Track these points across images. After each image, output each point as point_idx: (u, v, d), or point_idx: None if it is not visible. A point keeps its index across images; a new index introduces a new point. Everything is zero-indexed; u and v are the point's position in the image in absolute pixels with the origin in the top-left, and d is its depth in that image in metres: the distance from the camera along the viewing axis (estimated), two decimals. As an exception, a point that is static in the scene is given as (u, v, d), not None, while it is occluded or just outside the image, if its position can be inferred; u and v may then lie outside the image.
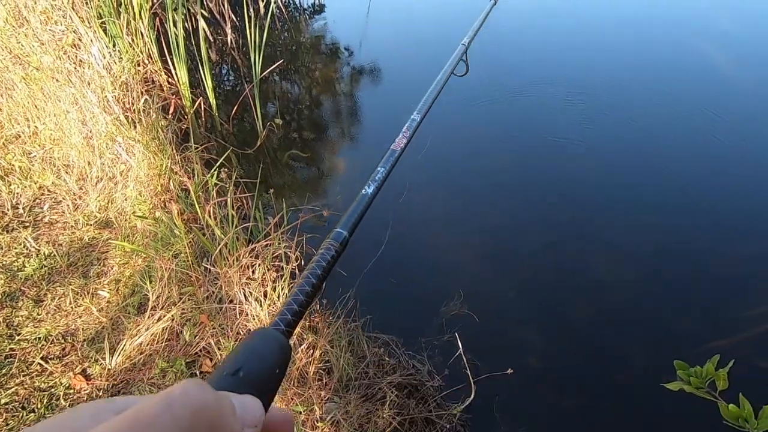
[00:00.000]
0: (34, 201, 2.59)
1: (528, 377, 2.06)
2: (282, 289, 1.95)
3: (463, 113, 3.68)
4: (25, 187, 2.64)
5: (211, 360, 1.91)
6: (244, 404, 0.26)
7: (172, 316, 1.95)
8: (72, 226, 2.46)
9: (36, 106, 2.92)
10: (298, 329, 1.90)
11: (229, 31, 4.61)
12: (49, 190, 2.65)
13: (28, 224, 2.45)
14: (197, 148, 2.59)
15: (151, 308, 1.99)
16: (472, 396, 1.92)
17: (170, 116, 3.00)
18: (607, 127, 3.55)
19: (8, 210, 2.49)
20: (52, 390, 1.79)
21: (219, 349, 1.92)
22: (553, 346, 2.21)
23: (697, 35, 4.96)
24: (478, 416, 1.92)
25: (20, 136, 2.91)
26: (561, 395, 2.03)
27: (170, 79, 3.40)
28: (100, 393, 1.78)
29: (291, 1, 5.76)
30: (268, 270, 2.02)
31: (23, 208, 2.51)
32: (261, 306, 1.92)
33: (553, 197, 2.97)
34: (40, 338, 1.96)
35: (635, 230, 2.74)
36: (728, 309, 2.32)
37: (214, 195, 2.15)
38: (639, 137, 3.44)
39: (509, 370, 2.00)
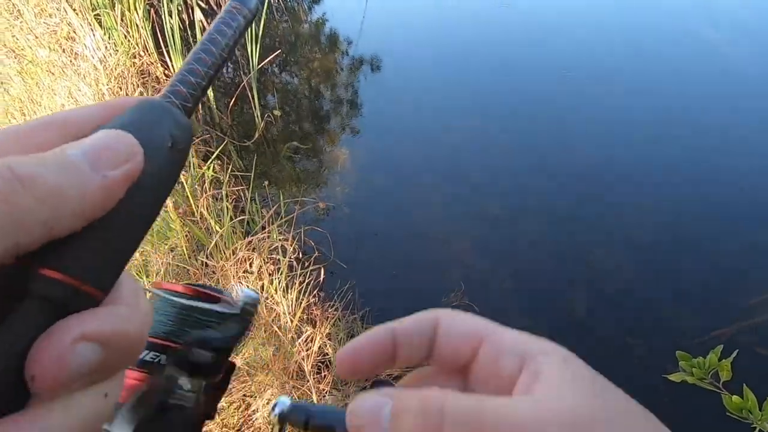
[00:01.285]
0: (31, 196, 2.57)
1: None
2: (279, 282, 1.92)
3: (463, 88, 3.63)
4: (22, 181, 2.62)
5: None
6: (88, 144, 0.17)
7: (169, 310, 1.94)
8: (69, 221, 2.44)
9: (32, 100, 2.90)
10: (295, 321, 1.88)
11: (226, 22, 4.56)
12: (46, 185, 2.64)
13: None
14: (193, 140, 2.56)
15: (148, 302, 1.97)
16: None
17: (167, 108, 2.97)
18: (618, 103, 3.49)
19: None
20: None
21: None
22: (552, 335, 2.18)
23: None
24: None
25: (17, 131, 2.90)
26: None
27: (167, 71, 3.37)
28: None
29: (290, -9, 5.69)
30: (265, 263, 2.00)
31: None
32: (258, 299, 1.90)
33: (554, 184, 2.93)
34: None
35: (637, 218, 2.69)
36: (732, 297, 2.28)
37: (207, 188, 2.13)
38: (648, 115, 3.38)
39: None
